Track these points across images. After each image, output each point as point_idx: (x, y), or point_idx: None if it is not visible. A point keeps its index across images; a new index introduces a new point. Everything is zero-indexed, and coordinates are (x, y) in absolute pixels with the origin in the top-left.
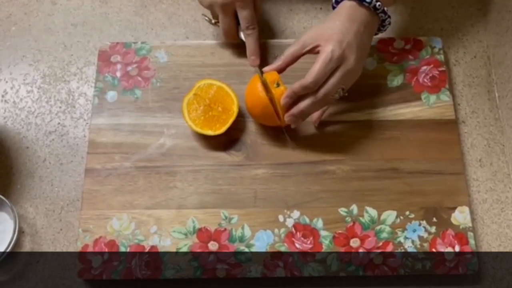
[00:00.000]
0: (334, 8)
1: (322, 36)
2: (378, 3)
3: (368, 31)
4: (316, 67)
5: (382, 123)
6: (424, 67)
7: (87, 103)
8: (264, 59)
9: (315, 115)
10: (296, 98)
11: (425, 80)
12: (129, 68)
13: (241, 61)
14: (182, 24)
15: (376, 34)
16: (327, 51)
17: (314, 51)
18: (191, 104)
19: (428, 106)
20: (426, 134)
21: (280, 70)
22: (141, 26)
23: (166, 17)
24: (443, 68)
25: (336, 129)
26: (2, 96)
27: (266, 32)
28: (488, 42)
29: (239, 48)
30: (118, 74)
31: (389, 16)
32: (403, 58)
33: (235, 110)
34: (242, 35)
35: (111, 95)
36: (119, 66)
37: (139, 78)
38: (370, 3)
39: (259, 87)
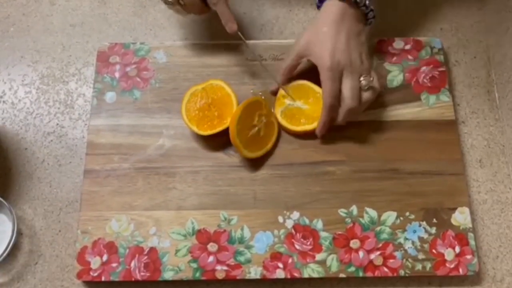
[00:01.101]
0: (318, 7)
1: (314, 48)
2: None
3: (355, 24)
4: (326, 87)
5: (382, 123)
6: (424, 68)
7: (85, 104)
8: (263, 60)
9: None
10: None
11: (425, 80)
12: (128, 69)
13: (240, 61)
14: (181, 24)
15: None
16: (325, 69)
17: (309, 61)
18: (195, 95)
19: (428, 107)
20: (426, 134)
21: (284, 84)
22: (140, 27)
23: (165, 18)
24: (443, 69)
25: (336, 130)
26: (1, 97)
27: (265, 33)
28: (488, 42)
29: (237, 49)
30: (117, 75)
31: (371, 10)
32: (402, 58)
33: (227, 123)
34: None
35: (110, 96)
36: (118, 66)
37: (138, 79)
38: None
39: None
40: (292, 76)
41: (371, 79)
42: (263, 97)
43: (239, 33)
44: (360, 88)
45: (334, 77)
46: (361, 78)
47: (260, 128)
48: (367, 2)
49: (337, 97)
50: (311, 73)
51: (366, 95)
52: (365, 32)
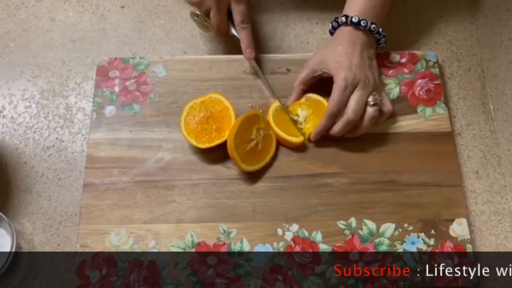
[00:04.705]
0: (331, 34)
1: (330, 61)
2: (373, 25)
3: (368, 49)
4: (335, 96)
5: (379, 135)
6: (420, 80)
7: (85, 118)
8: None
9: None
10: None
11: (421, 93)
12: (127, 83)
13: (238, 75)
14: (179, 39)
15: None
16: (341, 79)
17: (323, 75)
18: (193, 109)
19: (424, 119)
20: (423, 146)
21: (298, 99)
22: (139, 42)
23: (163, 33)
24: (438, 81)
25: (334, 142)
26: (0, 111)
27: (263, 47)
28: (482, 55)
29: (236, 63)
30: (117, 89)
31: (384, 36)
32: (398, 71)
33: (226, 136)
34: (233, 31)
35: (110, 109)
36: (117, 81)
37: (137, 93)
38: (365, 26)
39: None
40: (305, 89)
41: (380, 97)
42: (260, 111)
43: (254, 61)
44: (366, 103)
45: (347, 89)
46: (371, 95)
47: (258, 141)
48: (380, 29)
49: (341, 108)
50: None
51: (370, 111)
52: (375, 58)
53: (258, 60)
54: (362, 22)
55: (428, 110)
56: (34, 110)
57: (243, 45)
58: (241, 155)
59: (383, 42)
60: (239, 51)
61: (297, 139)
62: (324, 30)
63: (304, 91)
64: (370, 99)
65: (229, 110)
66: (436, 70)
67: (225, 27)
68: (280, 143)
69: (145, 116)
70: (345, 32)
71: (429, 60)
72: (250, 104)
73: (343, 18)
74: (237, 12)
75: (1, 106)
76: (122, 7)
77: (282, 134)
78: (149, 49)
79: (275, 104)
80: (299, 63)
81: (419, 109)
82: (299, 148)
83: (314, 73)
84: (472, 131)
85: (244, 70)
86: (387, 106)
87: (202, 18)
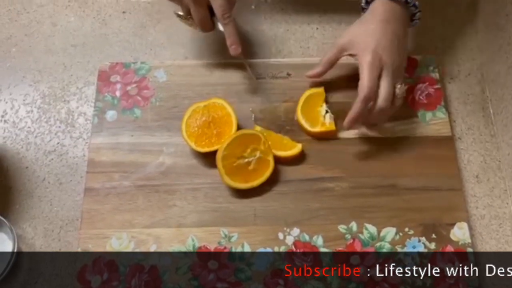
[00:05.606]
0: (363, 9)
1: (358, 41)
2: None
3: (402, 26)
4: (364, 78)
5: (379, 140)
6: (420, 85)
7: (86, 122)
8: (262, 78)
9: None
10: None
11: (421, 97)
12: (128, 88)
13: (239, 80)
14: (180, 44)
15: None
16: (367, 61)
17: (351, 56)
18: (196, 112)
19: (424, 123)
20: (423, 150)
21: (320, 75)
22: (140, 47)
23: (165, 38)
24: (438, 86)
25: (334, 146)
26: (2, 116)
27: (264, 52)
28: (481, 60)
29: (237, 68)
30: (118, 93)
31: (419, 10)
32: None
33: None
34: (219, 26)
35: (111, 114)
36: (118, 85)
37: (139, 98)
38: None
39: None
40: (330, 69)
41: (404, 88)
42: (264, 134)
43: (242, 57)
44: (392, 92)
45: (374, 71)
46: (397, 86)
47: (250, 161)
48: (416, 2)
49: (374, 90)
50: None
51: (396, 101)
52: (407, 36)
53: (259, 65)
54: None
55: (428, 115)
56: (35, 114)
57: (228, 41)
58: (227, 168)
59: (418, 18)
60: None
61: (293, 151)
62: (324, 34)
63: (326, 71)
64: (398, 90)
65: (231, 117)
66: (436, 75)
67: (208, 23)
68: (280, 163)
69: (146, 120)
70: (379, 4)
71: (429, 65)
72: (251, 109)
73: None
74: (216, 6)
75: (3, 111)
76: (124, 12)
77: (280, 153)
78: (150, 54)
79: (311, 91)
80: (300, 67)
81: (419, 113)
82: (299, 155)
83: (341, 53)
84: (472, 135)
85: (245, 74)
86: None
87: (184, 17)
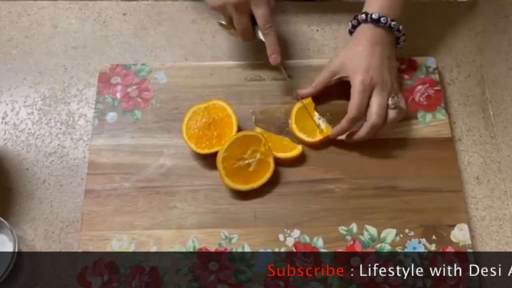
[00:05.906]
0: (351, 33)
1: (348, 64)
2: (393, 22)
3: (389, 48)
4: (354, 99)
5: (379, 141)
6: (420, 87)
7: (87, 124)
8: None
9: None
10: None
11: (421, 99)
12: (129, 90)
13: (239, 81)
14: (181, 46)
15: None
16: (358, 82)
17: (342, 79)
18: (196, 114)
19: (424, 125)
20: (423, 152)
21: (311, 96)
22: (140, 48)
23: (165, 39)
24: (438, 87)
25: (334, 148)
26: (3, 118)
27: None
28: (481, 61)
29: (237, 69)
30: (118, 95)
31: (404, 34)
32: (398, 77)
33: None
34: (260, 35)
35: (111, 116)
36: (119, 87)
37: (139, 99)
38: (385, 23)
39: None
40: (321, 92)
41: (399, 99)
42: (265, 135)
43: (281, 67)
44: (387, 106)
45: (365, 92)
46: (389, 98)
47: (250, 163)
48: (400, 27)
49: (363, 111)
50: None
51: (392, 114)
52: (395, 57)
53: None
54: (382, 19)
55: (428, 116)
56: (36, 116)
57: (268, 51)
58: (227, 169)
59: (403, 41)
60: (240, 57)
61: (294, 152)
62: (324, 36)
63: (318, 92)
64: (391, 102)
65: (232, 118)
66: (436, 76)
67: (250, 32)
68: (281, 164)
69: (147, 122)
70: (365, 29)
71: (429, 66)
72: (251, 111)
73: (363, 16)
74: (259, 16)
75: (3, 113)
76: (124, 14)
77: (280, 154)
78: (151, 56)
79: (300, 105)
80: (300, 69)
81: (419, 115)
82: (300, 156)
83: (333, 76)
84: (472, 136)
85: (245, 76)
86: (404, 108)
87: (227, 26)
